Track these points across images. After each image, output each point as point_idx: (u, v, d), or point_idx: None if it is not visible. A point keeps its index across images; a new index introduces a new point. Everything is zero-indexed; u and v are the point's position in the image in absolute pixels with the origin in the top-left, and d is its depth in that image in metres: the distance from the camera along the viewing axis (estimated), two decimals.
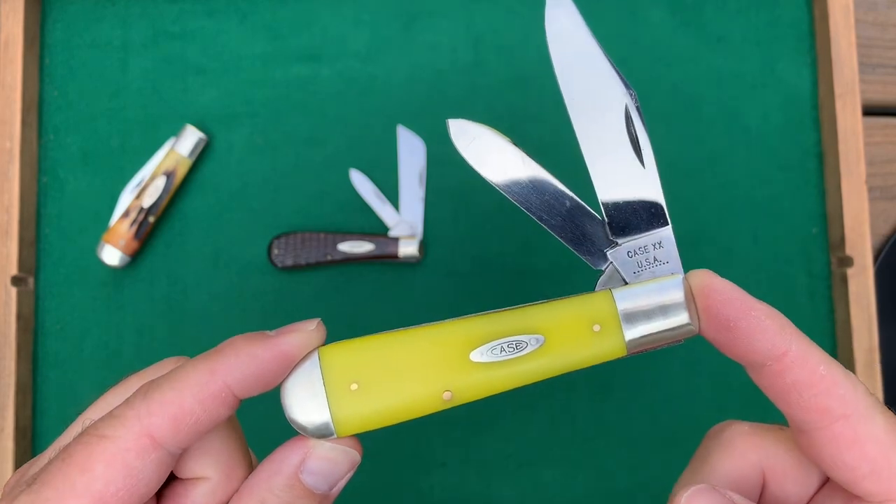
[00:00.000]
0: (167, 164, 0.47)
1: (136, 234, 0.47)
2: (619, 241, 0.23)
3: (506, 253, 0.48)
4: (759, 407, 0.47)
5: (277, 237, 0.48)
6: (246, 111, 0.49)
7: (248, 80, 0.49)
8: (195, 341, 0.48)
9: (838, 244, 0.48)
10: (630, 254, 0.23)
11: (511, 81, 0.49)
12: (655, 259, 0.23)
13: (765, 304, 0.22)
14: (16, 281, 0.46)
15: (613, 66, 0.24)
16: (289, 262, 0.47)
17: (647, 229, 0.23)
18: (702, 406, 0.47)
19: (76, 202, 0.49)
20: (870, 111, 0.51)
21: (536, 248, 0.48)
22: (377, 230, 0.48)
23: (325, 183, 0.49)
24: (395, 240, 0.47)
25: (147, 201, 0.47)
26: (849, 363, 0.46)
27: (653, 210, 0.23)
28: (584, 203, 0.24)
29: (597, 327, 0.22)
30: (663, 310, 0.22)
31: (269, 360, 0.22)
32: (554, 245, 0.49)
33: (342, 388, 0.22)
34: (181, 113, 0.49)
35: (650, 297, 0.22)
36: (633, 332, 0.22)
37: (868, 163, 0.49)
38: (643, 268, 0.23)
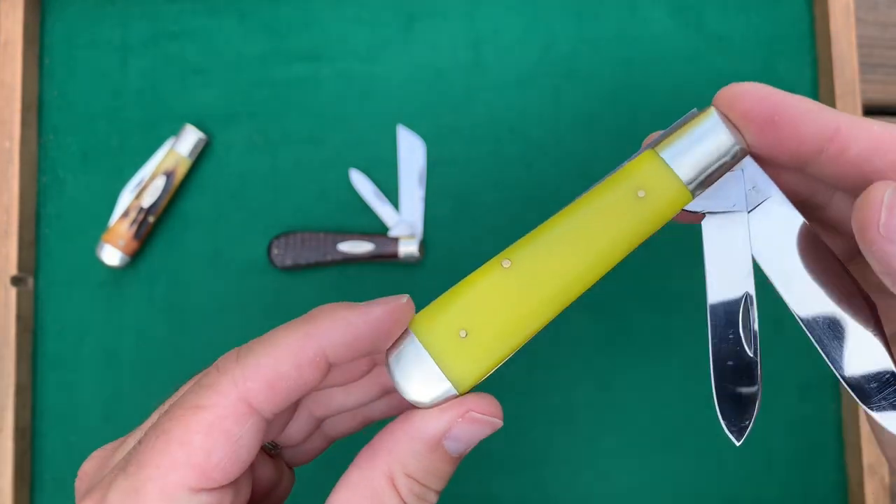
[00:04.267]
0: (167, 164, 0.47)
1: (136, 234, 0.47)
2: None
3: None
4: (761, 409, 0.47)
5: (277, 237, 0.48)
6: (245, 111, 0.49)
7: (247, 79, 0.49)
8: (195, 341, 0.48)
9: None
10: None
11: (511, 81, 0.49)
12: None
13: (798, 95, 0.22)
14: (15, 281, 0.46)
15: None
16: (288, 262, 0.47)
17: None
18: (703, 406, 0.47)
19: (76, 202, 0.49)
20: (871, 111, 0.51)
21: None
22: (377, 230, 0.48)
23: (325, 183, 0.49)
24: (395, 240, 0.47)
25: (147, 201, 0.47)
26: None
27: None
28: None
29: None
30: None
31: (362, 327, 0.22)
32: None
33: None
34: (181, 112, 0.49)
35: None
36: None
37: None
38: None
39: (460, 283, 0.23)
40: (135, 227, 0.47)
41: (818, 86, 0.50)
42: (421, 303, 0.24)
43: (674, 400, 0.47)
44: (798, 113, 0.22)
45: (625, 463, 0.47)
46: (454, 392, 0.22)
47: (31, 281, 0.48)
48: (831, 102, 0.48)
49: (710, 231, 0.24)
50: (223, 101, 0.49)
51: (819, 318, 0.23)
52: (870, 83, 0.52)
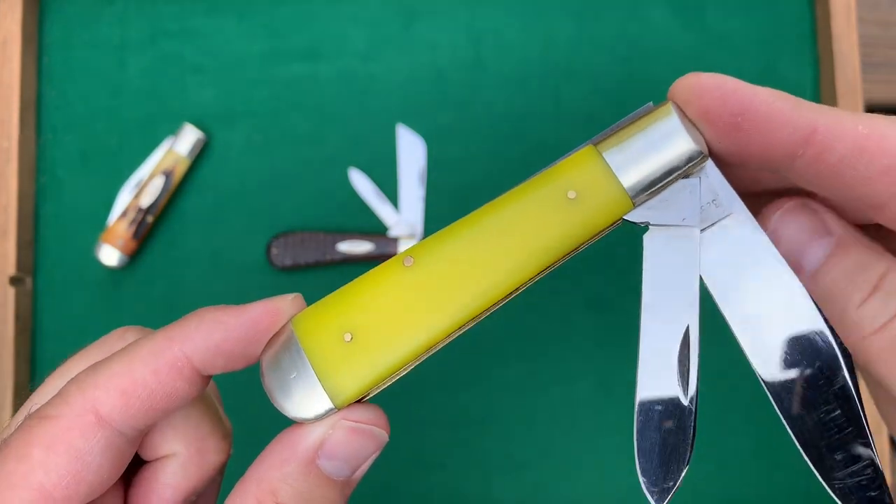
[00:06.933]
0: (166, 164, 0.47)
1: (135, 234, 0.46)
2: None
3: None
4: (762, 406, 0.47)
5: (276, 237, 0.47)
6: (245, 110, 0.49)
7: (246, 78, 0.49)
8: None
9: None
10: None
11: (511, 81, 0.49)
12: None
13: (770, 88, 0.19)
14: (14, 281, 0.46)
15: None
16: (288, 262, 0.47)
17: None
18: (704, 405, 0.47)
19: (74, 202, 0.48)
20: (873, 110, 0.51)
21: None
22: (376, 230, 0.48)
23: (325, 182, 0.48)
24: (395, 239, 0.47)
25: (145, 201, 0.47)
26: None
27: None
28: None
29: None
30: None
31: (234, 328, 0.20)
32: None
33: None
34: (180, 112, 0.49)
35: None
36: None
37: None
38: None
39: (354, 280, 0.20)
40: (133, 227, 0.46)
41: (820, 85, 0.49)
42: None
43: None
44: (766, 113, 0.18)
45: (625, 462, 0.47)
46: (331, 406, 0.19)
47: (29, 281, 0.48)
48: (833, 102, 0.48)
49: (653, 247, 0.20)
50: (222, 100, 0.49)
51: (783, 382, 0.20)
52: (872, 83, 0.51)
